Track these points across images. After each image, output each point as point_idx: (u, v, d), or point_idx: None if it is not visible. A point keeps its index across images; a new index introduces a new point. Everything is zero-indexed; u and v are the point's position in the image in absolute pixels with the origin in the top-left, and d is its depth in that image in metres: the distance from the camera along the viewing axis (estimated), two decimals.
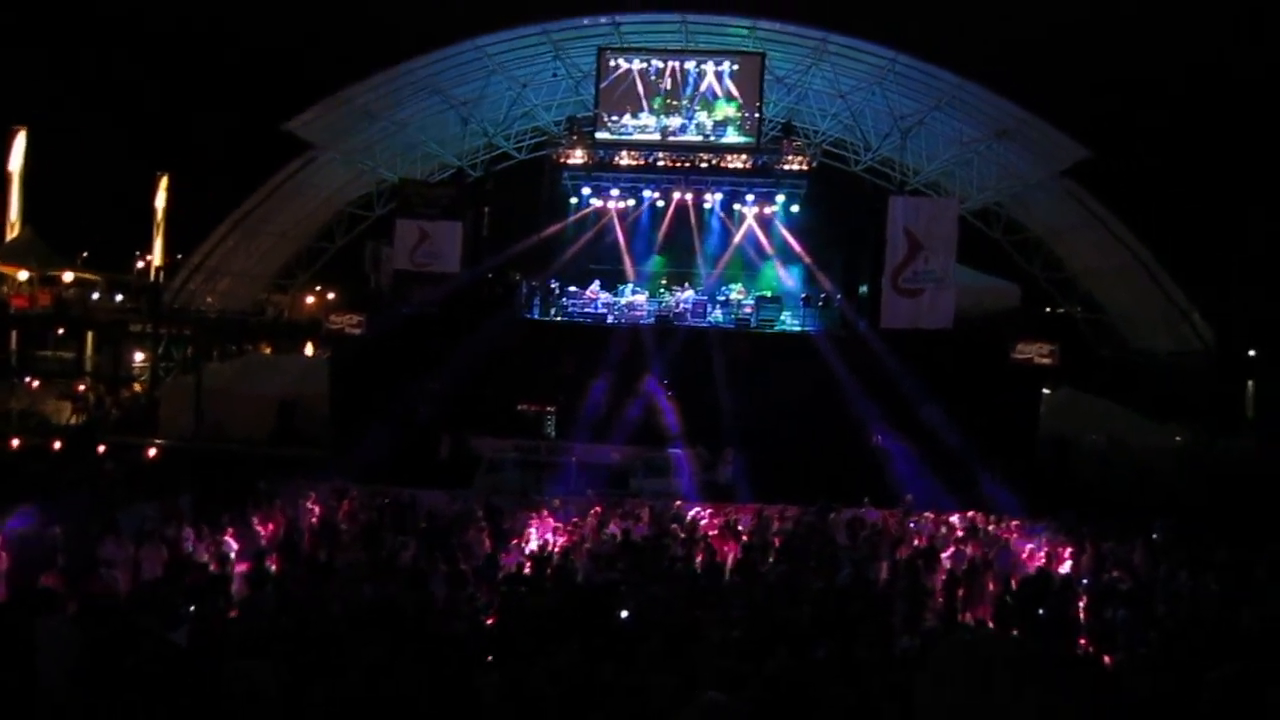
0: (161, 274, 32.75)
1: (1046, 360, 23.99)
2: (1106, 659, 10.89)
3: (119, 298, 38.23)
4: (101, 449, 23.88)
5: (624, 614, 9.35)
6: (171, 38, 48.58)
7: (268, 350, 37.54)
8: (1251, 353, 37.00)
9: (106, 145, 43.49)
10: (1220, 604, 12.19)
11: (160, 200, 36.88)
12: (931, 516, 18.34)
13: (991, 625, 12.08)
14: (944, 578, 14.62)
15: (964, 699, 1.33)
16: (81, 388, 33.23)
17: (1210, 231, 38.82)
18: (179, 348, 33.82)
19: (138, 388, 34.92)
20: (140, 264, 40.27)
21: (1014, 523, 17.72)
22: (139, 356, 37.26)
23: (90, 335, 37.12)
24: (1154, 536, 16.05)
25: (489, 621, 10.24)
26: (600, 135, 26.34)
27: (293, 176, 29.33)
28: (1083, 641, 11.62)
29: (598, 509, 17.86)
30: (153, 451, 24.88)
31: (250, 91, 44.70)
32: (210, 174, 39.18)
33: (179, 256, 34.28)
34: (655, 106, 26.11)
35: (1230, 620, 11.22)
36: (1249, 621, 11.09)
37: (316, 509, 17.60)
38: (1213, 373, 28.30)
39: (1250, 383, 36.89)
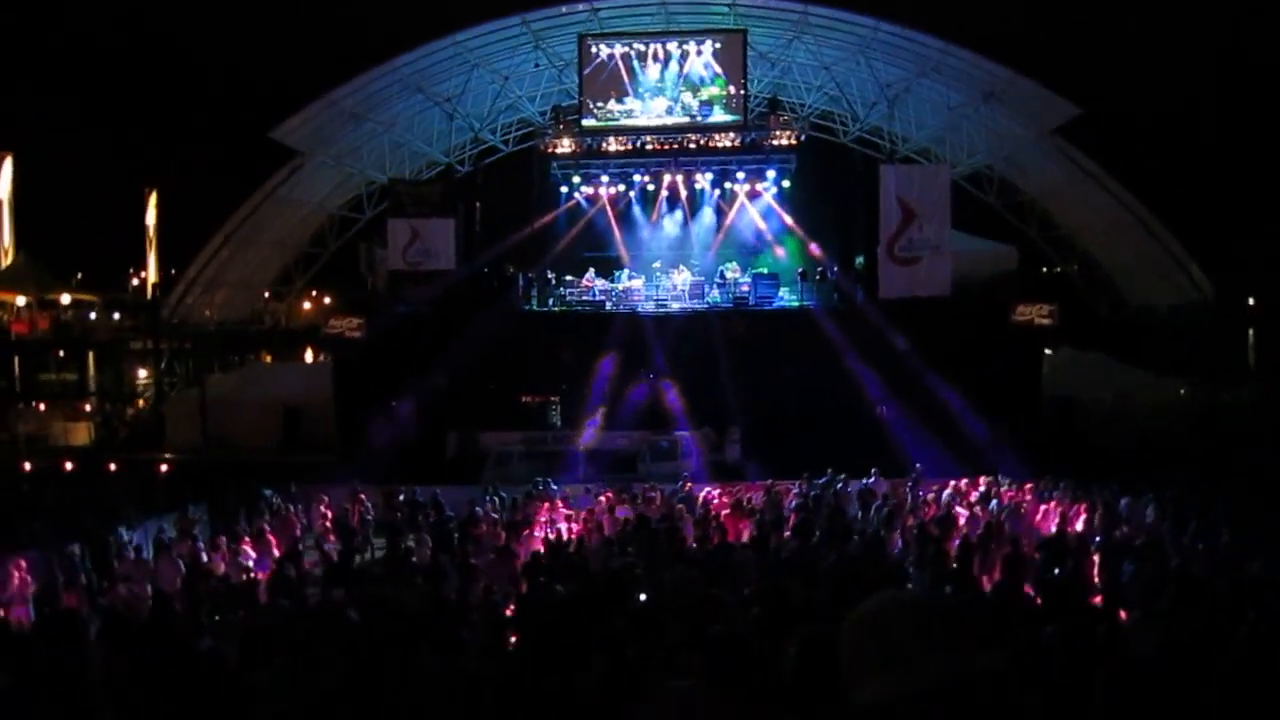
0: (158, 290, 32.75)
1: (1046, 321, 24.00)
2: (1122, 614, 10.94)
3: (116, 316, 38.27)
4: (112, 467, 23.99)
5: (642, 597, 9.40)
6: (147, 53, 48.40)
7: (268, 358, 37.59)
8: (1251, 301, 36.97)
9: (92, 165, 43.44)
10: (1230, 554, 12.23)
11: (151, 216, 36.85)
12: (944, 484, 18.39)
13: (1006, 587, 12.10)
14: (958, 543, 14.66)
15: (876, 654, 1.37)
16: (88, 407, 33.35)
17: (1207, 182, 38.75)
18: (181, 362, 33.86)
19: (142, 404, 35.00)
20: (135, 281, 40.31)
21: (1027, 485, 17.75)
22: (141, 373, 37.34)
23: (91, 355, 37.20)
24: (1165, 492, 16.08)
25: (508, 612, 10.30)
26: (586, 122, 26.26)
27: (282, 184, 29.25)
28: (1097, 600, 11.67)
29: (608, 495, 17.94)
30: (163, 466, 24.98)
31: (232, 102, 44.62)
32: (200, 187, 39.16)
33: (173, 271, 34.30)
34: (639, 90, 26.02)
35: (1241, 570, 11.27)
36: (1259, 571, 11.14)
37: (329, 513, 17.68)
38: (1213, 324, 28.26)
39: (1251, 331, 36.87)
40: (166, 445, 27.53)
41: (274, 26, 47.69)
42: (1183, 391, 26.79)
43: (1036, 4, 45.29)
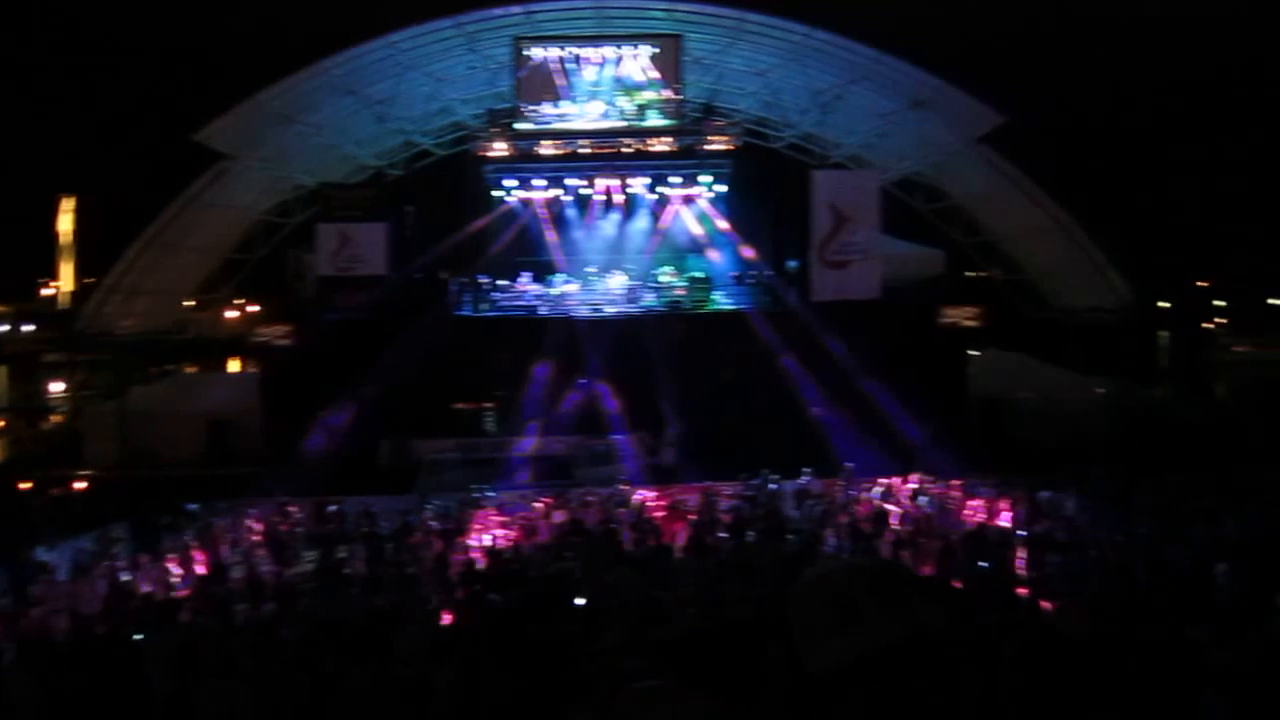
0: (74, 299, 31.62)
1: (972, 323, 24.69)
2: (1045, 604, 11.26)
3: (29, 327, 36.83)
4: (26, 485, 23.02)
5: (580, 601, 9.38)
6: (63, 51, 46.72)
7: (192, 369, 36.52)
8: (1164, 304, 38.57)
9: None
10: (1148, 546, 12.70)
11: (66, 223, 35.58)
12: (875, 482, 18.74)
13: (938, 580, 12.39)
14: (891, 539, 14.97)
15: (832, 617, 1.40)
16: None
17: (1123, 189, 40.29)
18: (99, 374, 32.71)
19: (57, 419, 33.70)
20: (47, 290, 38.86)
21: (955, 482, 18.20)
22: (56, 386, 35.97)
23: (3, 369, 35.73)
24: (1087, 486, 16.63)
25: (446, 622, 10.18)
26: (520, 126, 26.13)
27: (206, 188, 28.46)
28: (1023, 590, 12.00)
29: (546, 500, 17.85)
30: (81, 484, 24.06)
31: (153, 104, 43.31)
32: (119, 192, 37.85)
33: (90, 280, 33.13)
34: (574, 94, 25.99)
35: (1160, 558, 11.70)
36: (1175, 559, 11.58)
37: (259, 526, 17.24)
38: (1130, 325, 29.35)
39: (1164, 333, 38.48)
40: (85, 462, 26.52)
41: (199, 24, 46.49)
42: (1100, 390, 27.72)
43: (965, 15, 46.55)
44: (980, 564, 12.77)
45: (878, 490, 18.29)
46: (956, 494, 17.55)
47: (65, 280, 35.30)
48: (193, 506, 17.46)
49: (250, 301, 39.84)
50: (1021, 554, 13.76)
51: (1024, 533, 14.84)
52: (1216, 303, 53.15)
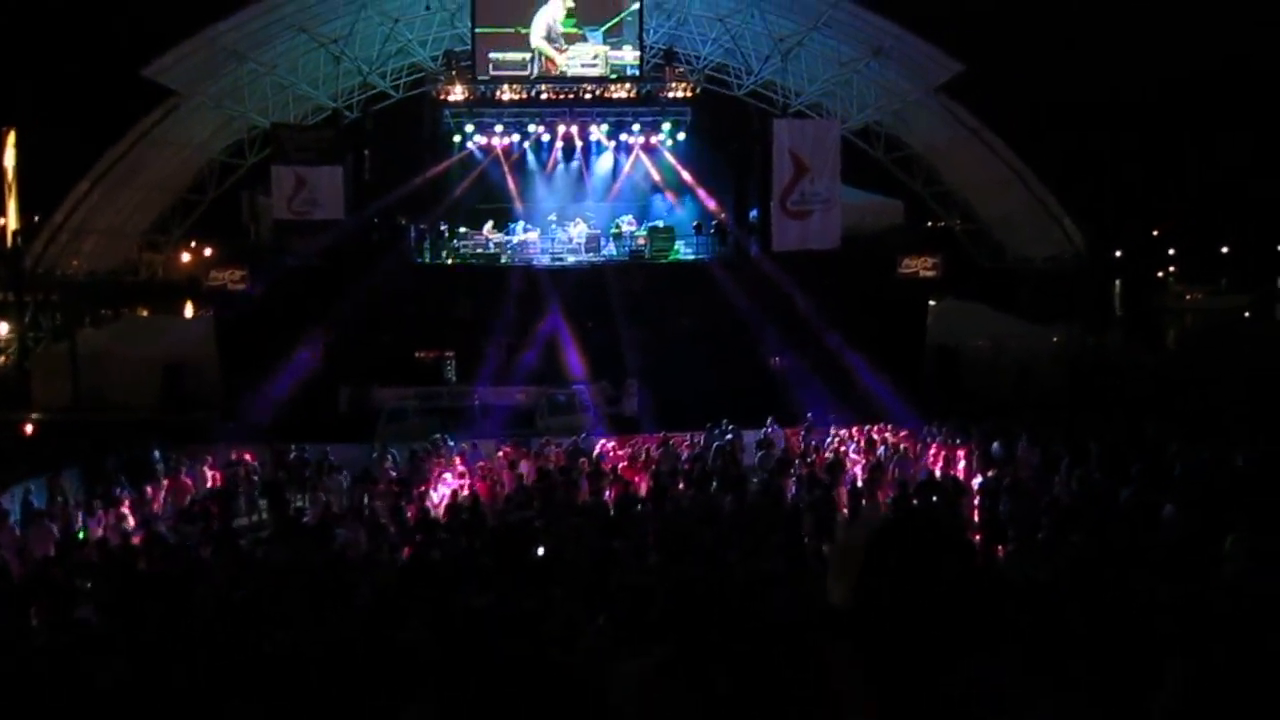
0: (19, 237, 30.64)
1: (931, 273, 24.90)
2: (999, 549, 11.61)
3: None
4: None
5: (540, 551, 9.47)
6: None
7: (145, 312, 35.77)
8: (1118, 254, 39.24)
9: None
10: (1100, 490, 13.05)
11: (9, 158, 34.32)
12: (833, 432, 19.01)
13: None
14: (847, 488, 15.25)
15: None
16: None
17: (1079, 141, 40.62)
18: (47, 315, 31.89)
19: (4, 360, 32.94)
20: None
21: (903, 432, 18.54)
22: (3, 327, 35.09)
23: None
24: (1038, 433, 17.00)
25: (404, 568, 10.23)
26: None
27: (156, 125, 27.58)
28: (976, 537, 12.33)
29: (507, 450, 17.87)
30: (29, 427, 23.65)
31: (102, 36, 41.68)
32: (64, 127, 36.55)
33: (35, 218, 32.13)
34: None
35: (1109, 505, 12.03)
36: (1126, 504, 11.91)
37: (215, 474, 17.10)
38: (1084, 274, 29.87)
39: (1118, 281, 39.24)
40: (33, 404, 26.02)
41: None
42: (1056, 339, 28.26)
43: None
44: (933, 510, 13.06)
45: (835, 439, 18.58)
46: (913, 442, 17.87)
47: (11, 217, 34.13)
48: (155, 452, 17.23)
49: (203, 244, 38.96)
50: (975, 501, 14.10)
51: (978, 479, 15.19)
52: (1170, 251, 54.16)
